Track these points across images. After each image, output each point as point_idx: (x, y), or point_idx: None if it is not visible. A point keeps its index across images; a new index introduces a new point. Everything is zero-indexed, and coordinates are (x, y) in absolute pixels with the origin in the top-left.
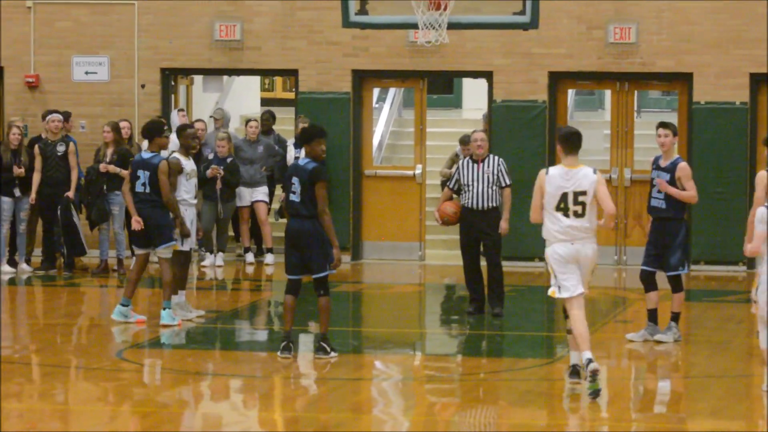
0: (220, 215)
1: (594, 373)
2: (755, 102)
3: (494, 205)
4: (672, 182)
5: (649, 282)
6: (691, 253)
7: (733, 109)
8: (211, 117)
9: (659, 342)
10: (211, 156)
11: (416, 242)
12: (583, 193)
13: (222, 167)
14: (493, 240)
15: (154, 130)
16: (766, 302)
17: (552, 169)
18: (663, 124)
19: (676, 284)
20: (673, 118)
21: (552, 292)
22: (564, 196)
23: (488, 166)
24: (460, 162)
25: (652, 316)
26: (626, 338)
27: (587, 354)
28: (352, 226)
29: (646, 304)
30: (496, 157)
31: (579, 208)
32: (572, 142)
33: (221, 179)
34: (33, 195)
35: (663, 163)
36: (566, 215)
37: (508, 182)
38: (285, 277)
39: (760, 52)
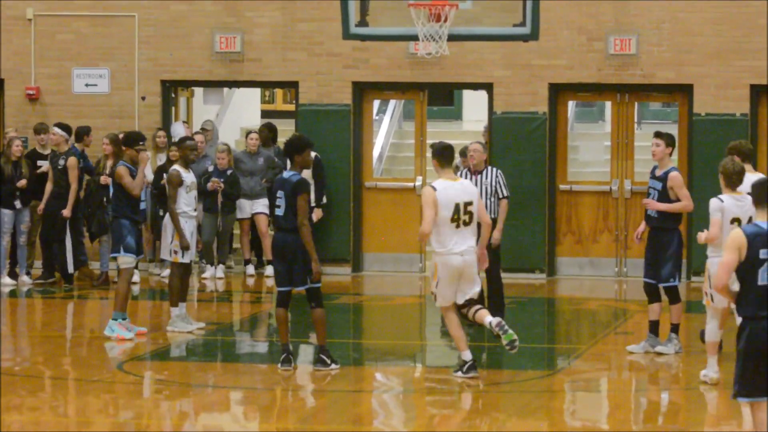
0: (219, 228)
1: (500, 325)
2: (756, 113)
3: (492, 216)
4: (665, 192)
5: (651, 293)
6: (682, 265)
7: (733, 120)
8: (201, 129)
9: (660, 354)
10: (211, 168)
11: (417, 254)
12: (470, 203)
13: (222, 179)
14: (492, 252)
15: (127, 141)
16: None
17: (438, 183)
18: (657, 134)
19: (672, 296)
20: (673, 130)
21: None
22: (456, 207)
23: (486, 178)
24: (459, 174)
25: (654, 327)
26: (627, 350)
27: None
28: (353, 238)
29: (648, 316)
30: (495, 169)
31: (467, 218)
32: (446, 156)
33: (221, 192)
34: (41, 205)
35: (657, 173)
36: (458, 226)
37: (506, 194)
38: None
39: (761, 64)
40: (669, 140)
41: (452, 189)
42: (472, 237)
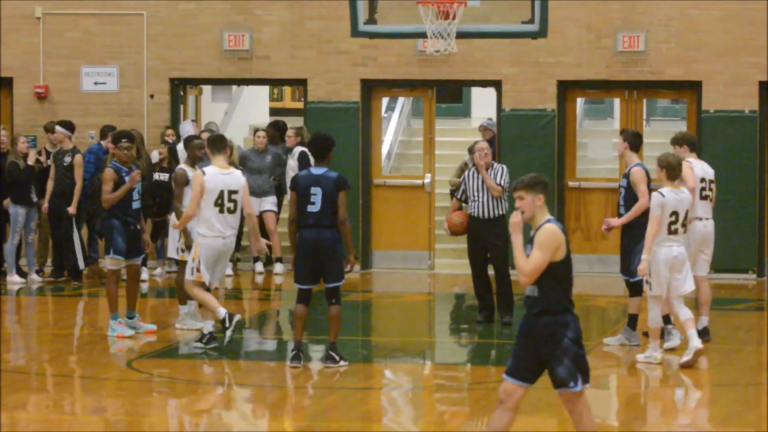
0: None
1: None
2: (765, 110)
3: (500, 213)
4: (629, 188)
5: (630, 287)
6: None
7: (742, 117)
8: (203, 131)
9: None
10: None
11: (426, 251)
12: (235, 192)
13: None
14: (500, 249)
15: (112, 139)
16: (663, 282)
17: (208, 169)
18: (620, 132)
19: (632, 290)
20: (682, 127)
21: (198, 276)
22: (221, 194)
23: (492, 175)
24: (466, 172)
25: (632, 321)
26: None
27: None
28: (362, 236)
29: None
30: (501, 166)
31: (231, 205)
32: (218, 145)
33: None
34: (45, 204)
35: (625, 170)
36: (221, 211)
37: (501, 183)
38: (294, 286)
39: None
40: (627, 136)
41: (220, 176)
42: (236, 224)
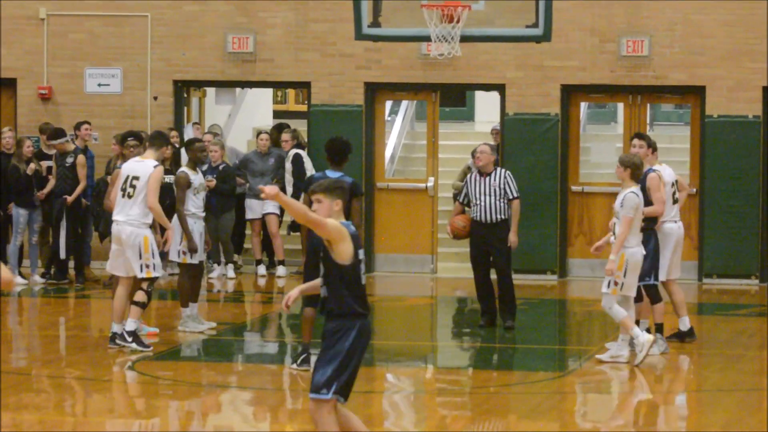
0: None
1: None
2: None
3: (502, 217)
4: (643, 192)
5: (651, 295)
6: (659, 265)
7: (745, 122)
8: (206, 133)
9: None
10: (204, 167)
11: (428, 255)
12: (137, 178)
13: (213, 175)
14: (502, 253)
15: (119, 140)
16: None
17: (132, 159)
18: (638, 135)
19: (651, 295)
20: (685, 132)
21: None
22: (126, 178)
23: (495, 179)
24: (469, 176)
25: (659, 329)
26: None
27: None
28: (365, 239)
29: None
30: (503, 170)
31: (131, 191)
32: (153, 139)
33: (214, 189)
34: (42, 192)
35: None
36: (123, 196)
37: (515, 194)
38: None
39: None
40: (650, 141)
41: (132, 163)
42: (131, 209)
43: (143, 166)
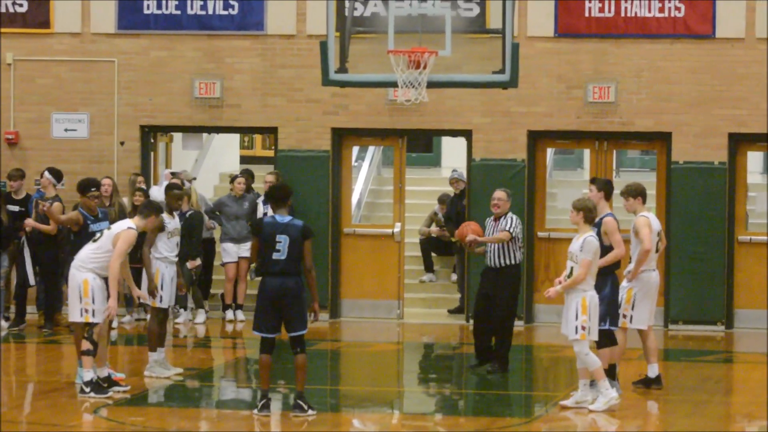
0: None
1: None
2: (734, 162)
3: (509, 263)
4: (599, 237)
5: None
6: (618, 310)
7: (711, 168)
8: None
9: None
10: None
11: (395, 300)
12: (110, 228)
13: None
14: (503, 299)
15: (79, 188)
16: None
17: None
18: (592, 180)
19: (602, 339)
20: (651, 178)
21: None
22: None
23: (503, 223)
24: (486, 221)
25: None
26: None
27: None
28: (331, 284)
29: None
30: (513, 216)
31: (99, 236)
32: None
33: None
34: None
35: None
36: (93, 240)
37: (507, 228)
38: (254, 334)
39: (740, 112)
40: (601, 185)
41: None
42: (83, 252)
43: (120, 222)
